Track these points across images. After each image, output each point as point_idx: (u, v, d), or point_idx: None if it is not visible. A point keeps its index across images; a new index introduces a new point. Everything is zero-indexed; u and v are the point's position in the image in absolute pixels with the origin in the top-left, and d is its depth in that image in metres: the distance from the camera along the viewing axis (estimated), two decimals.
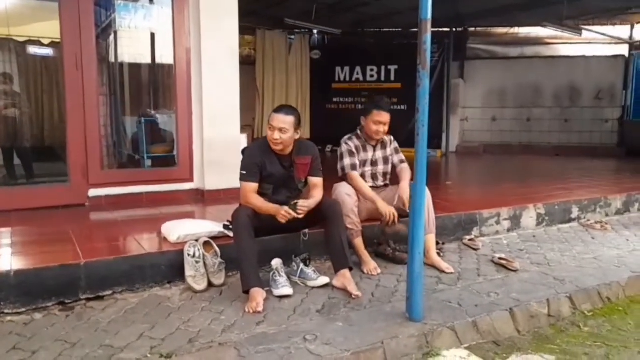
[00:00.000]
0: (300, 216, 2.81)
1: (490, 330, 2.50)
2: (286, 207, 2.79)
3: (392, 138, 3.60)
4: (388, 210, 3.21)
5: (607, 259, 3.54)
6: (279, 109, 2.94)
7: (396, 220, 3.21)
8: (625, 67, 9.70)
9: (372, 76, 9.84)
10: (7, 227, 3.42)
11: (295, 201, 2.84)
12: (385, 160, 3.53)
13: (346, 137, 3.49)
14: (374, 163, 3.49)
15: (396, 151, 3.58)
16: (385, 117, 3.36)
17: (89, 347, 2.17)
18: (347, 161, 3.37)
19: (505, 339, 2.49)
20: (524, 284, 3.00)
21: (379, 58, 9.71)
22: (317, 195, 2.98)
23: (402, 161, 3.55)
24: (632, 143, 9.25)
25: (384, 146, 3.54)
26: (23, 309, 2.50)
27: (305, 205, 2.83)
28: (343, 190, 3.26)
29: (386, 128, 3.40)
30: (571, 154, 9.09)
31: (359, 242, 3.26)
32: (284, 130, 2.85)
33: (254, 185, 2.89)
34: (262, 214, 2.85)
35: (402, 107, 9.39)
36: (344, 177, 3.39)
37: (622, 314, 2.83)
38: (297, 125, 2.91)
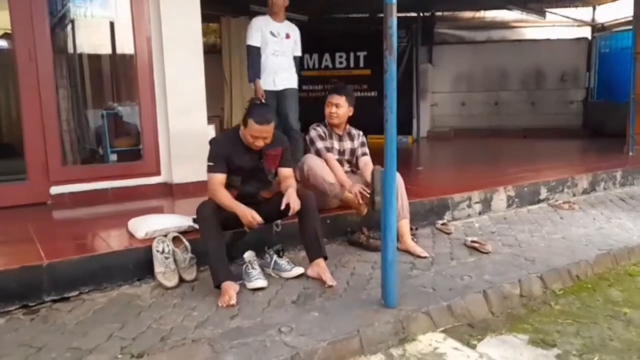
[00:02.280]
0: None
1: (465, 313, 2.52)
2: (253, 213, 2.71)
3: (361, 133, 3.65)
4: (355, 189, 3.22)
5: (575, 238, 3.62)
6: (260, 119, 2.74)
7: (360, 199, 3.20)
8: (588, 49, 9.90)
9: (341, 63, 9.75)
10: None
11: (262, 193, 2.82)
12: (352, 152, 3.58)
13: (314, 124, 3.53)
14: (341, 153, 3.53)
15: (362, 144, 3.60)
16: (335, 98, 3.43)
17: (56, 350, 2.09)
18: (320, 144, 3.42)
19: (479, 321, 2.51)
20: (496, 266, 3.03)
21: (348, 44, 9.61)
22: (292, 184, 2.94)
23: (364, 154, 3.57)
24: (595, 124, 9.46)
25: (351, 138, 3.58)
26: None
27: (296, 203, 2.79)
28: (314, 160, 3.33)
29: (338, 110, 3.43)
30: (539, 136, 9.24)
31: (348, 195, 3.30)
32: (267, 138, 2.81)
33: (221, 177, 2.81)
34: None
35: (372, 94, 9.35)
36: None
37: (591, 291, 2.89)
38: (276, 126, 2.90)
